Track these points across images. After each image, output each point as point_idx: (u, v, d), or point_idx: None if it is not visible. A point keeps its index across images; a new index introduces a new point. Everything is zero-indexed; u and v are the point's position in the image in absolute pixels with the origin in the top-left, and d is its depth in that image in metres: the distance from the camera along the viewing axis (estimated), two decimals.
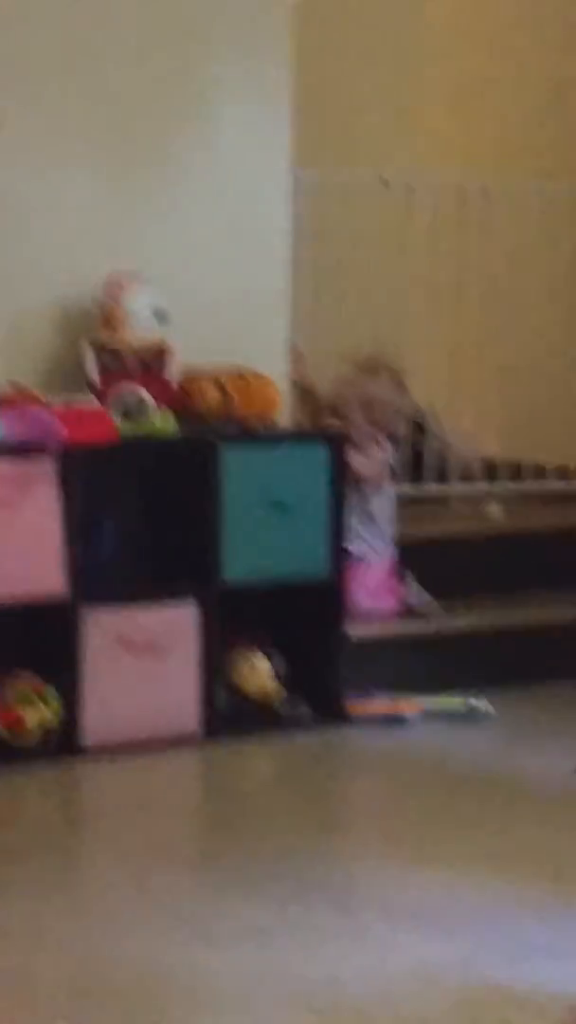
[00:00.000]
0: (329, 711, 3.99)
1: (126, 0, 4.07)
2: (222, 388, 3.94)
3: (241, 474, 3.88)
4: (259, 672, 3.94)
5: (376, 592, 4.27)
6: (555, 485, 4.90)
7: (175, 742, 3.76)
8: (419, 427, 4.82)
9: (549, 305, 4.87)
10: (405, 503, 4.57)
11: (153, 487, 3.99)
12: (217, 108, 4.22)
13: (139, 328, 3.90)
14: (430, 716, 4.05)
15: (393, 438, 4.34)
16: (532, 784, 3.57)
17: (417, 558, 4.36)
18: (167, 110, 4.15)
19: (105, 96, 4.06)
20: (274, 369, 4.13)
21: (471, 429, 4.82)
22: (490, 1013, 2.38)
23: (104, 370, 3.87)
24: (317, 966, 2.55)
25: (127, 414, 3.83)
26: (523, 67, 5.35)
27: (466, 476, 4.81)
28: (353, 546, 4.17)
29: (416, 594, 4.30)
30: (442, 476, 4.76)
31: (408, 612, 4.29)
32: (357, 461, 4.18)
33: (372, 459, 4.24)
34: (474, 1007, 2.40)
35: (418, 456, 4.72)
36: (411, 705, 4.05)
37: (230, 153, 4.24)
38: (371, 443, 4.25)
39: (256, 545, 3.89)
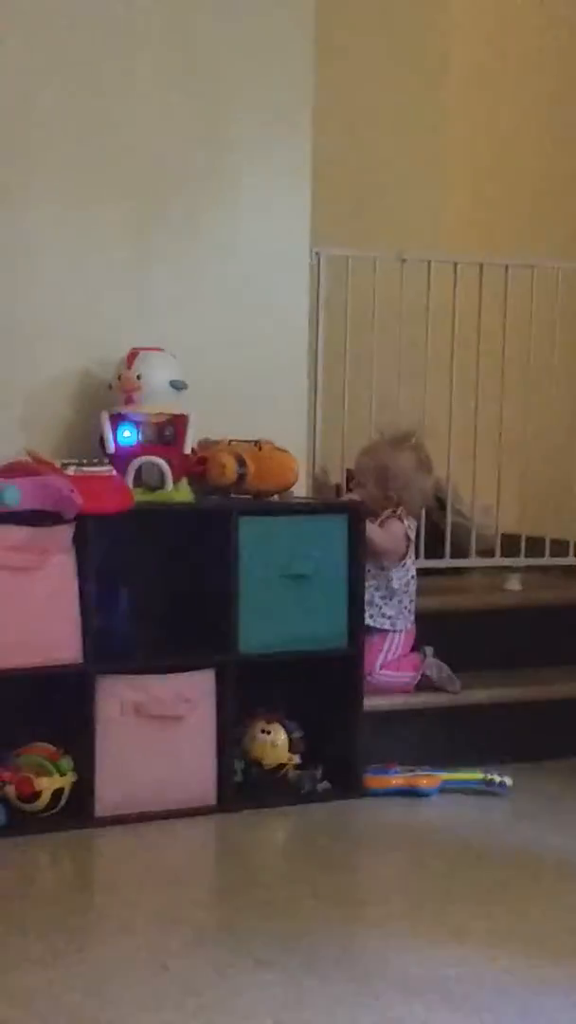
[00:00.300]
0: (346, 784, 3.95)
1: (151, 83, 4.11)
2: (240, 459, 3.93)
3: (258, 544, 3.87)
4: (275, 743, 3.91)
5: (395, 664, 4.24)
6: (574, 559, 4.89)
7: (190, 812, 3.73)
8: (438, 501, 4.82)
9: (568, 381, 4.87)
10: (424, 576, 4.56)
11: (170, 557, 3.98)
12: (238, 185, 4.26)
13: (157, 399, 3.90)
14: (448, 790, 4.01)
15: (412, 513, 4.32)
16: (553, 860, 3.52)
17: (436, 631, 4.34)
18: (189, 186, 4.19)
19: (127, 172, 4.10)
20: (292, 441, 4.13)
21: (490, 503, 4.81)
22: None
23: (121, 440, 3.87)
24: None
25: (145, 484, 3.84)
26: (544, 143, 5.40)
27: (485, 550, 4.80)
28: (373, 619, 4.15)
29: (435, 667, 4.27)
30: (461, 550, 4.75)
31: (427, 685, 4.26)
32: (376, 534, 4.17)
33: (391, 532, 4.23)
34: None
35: (437, 529, 4.71)
36: (429, 779, 4.00)
37: (251, 229, 4.28)
38: (391, 516, 4.24)
39: (273, 616, 3.87)
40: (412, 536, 4.31)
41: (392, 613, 4.24)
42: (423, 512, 4.59)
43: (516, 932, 3.03)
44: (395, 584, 4.23)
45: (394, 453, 4.29)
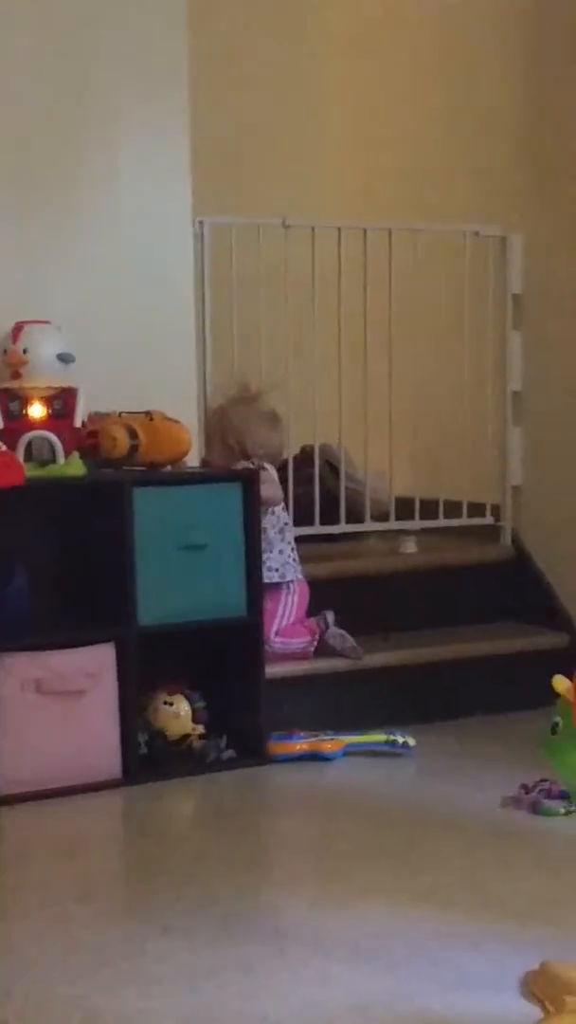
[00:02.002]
0: (251, 751, 3.95)
1: (22, 50, 4.07)
2: (131, 431, 3.91)
3: (153, 515, 3.85)
4: (178, 714, 3.91)
5: (289, 631, 4.24)
6: (468, 521, 4.92)
7: (96, 786, 3.71)
8: (331, 467, 4.83)
9: (455, 342, 4.90)
10: (320, 542, 4.56)
11: (64, 531, 3.95)
12: (117, 156, 4.23)
13: (45, 373, 3.86)
14: (353, 753, 4.03)
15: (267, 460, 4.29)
16: (458, 817, 3.55)
17: (333, 596, 4.35)
18: (67, 157, 4.15)
19: (5, 144, 4.04)
20: (183, 411, 4.11)
21: (383, 468, 4.82)
22: None
23: (10, 415, 3.83)
24: (251, 1005, 2.49)
25: (36, 458, 3.80)
26: (424, 107, 5.41)
27: (380, 514, 4.81)
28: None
29: (339, 637, 4.27)
30: (356, 515, 4.76)
31: (326, 650, 4.27)
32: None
33: (267, 480, 4.15)
34: None
35: (331, 496, 4.72)
36: (333, 743, 4.02)
37: (132, 199, 4.26)
38: (257, 468, 4.20)
39: (171, 586, 3.86)
40: (276, 481, 4.29)
41: (277, 565, 4.23)
42: (316, 478, 4.61)
43: (424, 888, 3.06)
44: (271, 534, 4.22)
45: (230, 407, 4.29)
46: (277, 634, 4.22)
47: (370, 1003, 2.48)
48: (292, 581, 4.26)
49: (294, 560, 4.29)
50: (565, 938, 2.74)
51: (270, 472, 4.25)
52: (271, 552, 4.22)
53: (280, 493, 4.26)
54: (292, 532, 4.31)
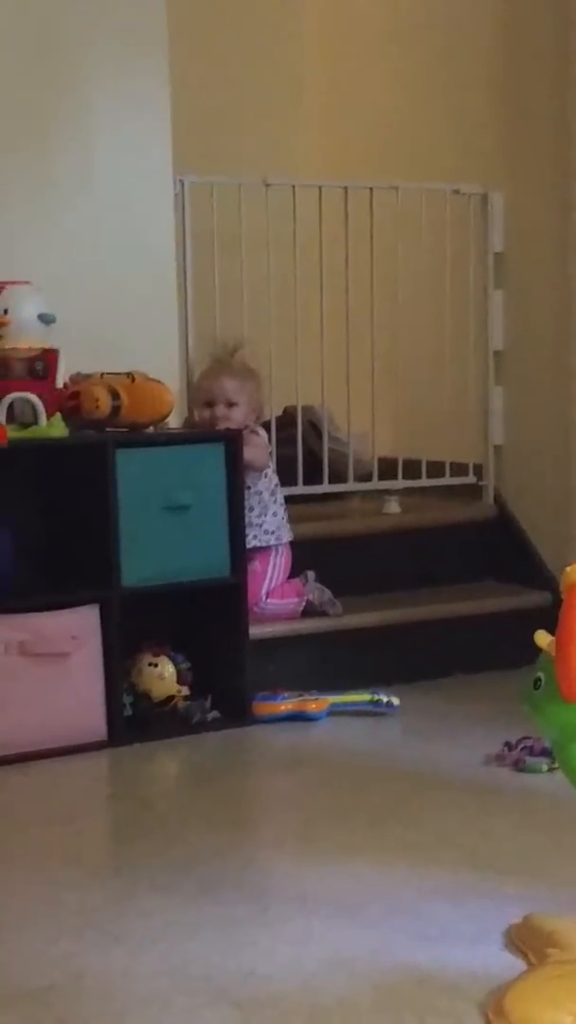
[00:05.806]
0: (235, 712, 3.96)
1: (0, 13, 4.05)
2: (113, 392, 3.90)
3: (136, 476, 3.84)
4: (163, 676, 3.91)
5: (279, 592, 4.25)
6: (451, 480, 4.92)
7: (81, 748, 3.72)
8: (313, 427, 4.83)
9: (439, 302, 4.88)
10: (303, 502, 4.57)
11: (47, 493, 3.95)
12: (97, 114, 4.21)
13: (26, 334, 3.85)
14: (337, 713, 4.04)
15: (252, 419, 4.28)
16: (442, 775, 3.56)
17: (318, 556, 4.36)
18: (46, 116, 4.13)
19: None
20: (164, 372, 4.10)
21: (365, 428, 4.82)
22: (411, 998, 2.35)
23: None
24: (235, 961, 2.50)
25: (18, 420, 3.79)
26: (403, 67, 5.38)
27: (363, 474, 4.81)
28: (257, 539, 4.15)
29: (317, 591, 4.29)
30: (339, 475, 4.76)
31: (310, 610, 4.28)
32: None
33: (255, 444, 4.18)
34: (394, 993, 2.37)
35: (314, 456, 4.72)
36: (318, 703, 4.03)
37: (111, 158, 4.25)
38: (247, 431, 4.20)
39: (155, 548, 3.86)
40: (267, 445, 4.30)
41: (273, 527, 4.25)
42: (299, 439, 4.61)
43: (406, 845, 3.07)
44: (266, 496, 4.23)
45: (217, 371, 4.26)
46: (268, 596, 4.23)
47: (353, 958, 2.50)
48: (284, 544, 4.27)
49: (286, 521, 4.29)
50: (548, 892, 2.76)
51: (261, 436, 4.25)
52: (266, 515, 4.23)
53: (266, 457, 4.26)
54: (281, 494, 4.32)
